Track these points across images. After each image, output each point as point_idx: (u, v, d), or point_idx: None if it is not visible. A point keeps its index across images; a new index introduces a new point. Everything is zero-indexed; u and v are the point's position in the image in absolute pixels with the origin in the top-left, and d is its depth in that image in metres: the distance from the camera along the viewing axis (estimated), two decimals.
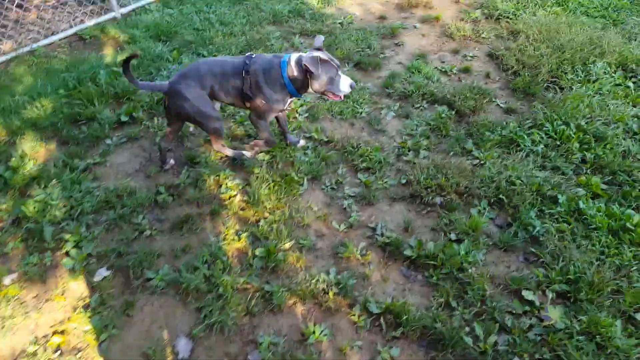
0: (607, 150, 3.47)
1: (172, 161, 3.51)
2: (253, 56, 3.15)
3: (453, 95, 4.09)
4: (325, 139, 3.71)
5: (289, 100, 3.22)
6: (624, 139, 3.59)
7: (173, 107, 3.16)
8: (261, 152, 3.52)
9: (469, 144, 3.63)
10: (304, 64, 2.93)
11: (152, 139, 3.76)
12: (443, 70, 4.59)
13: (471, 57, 4.80)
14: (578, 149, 3.50)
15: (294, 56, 3.07)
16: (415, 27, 5.39)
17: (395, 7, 5.90)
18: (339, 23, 5.42)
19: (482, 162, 3.46)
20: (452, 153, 3.58)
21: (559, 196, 3.10)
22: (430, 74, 4.43)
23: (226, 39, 5.00)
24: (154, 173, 3.45)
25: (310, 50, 3.09)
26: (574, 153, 3.47)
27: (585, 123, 3.67)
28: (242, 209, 3.17)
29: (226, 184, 3.32)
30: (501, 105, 4.10)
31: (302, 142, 3.65)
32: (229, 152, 3.47)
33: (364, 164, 3.47)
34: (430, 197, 3.19)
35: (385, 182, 3.35)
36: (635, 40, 4.86)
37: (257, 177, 3.32)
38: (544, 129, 3.69)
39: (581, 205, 3.02)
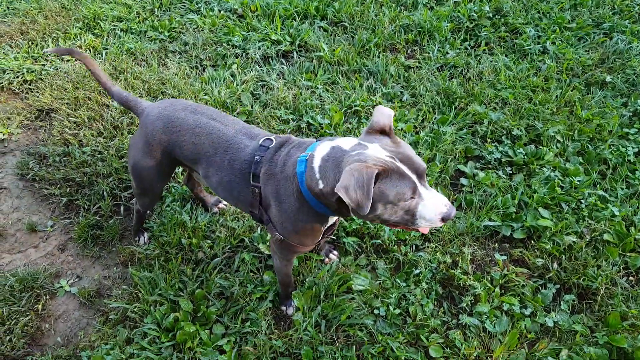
0: None
1: (217, 207, 2.69)
2: (270, 146, 1.74)
3: None
4: None
5: (328, 224, 1.79)
6: None
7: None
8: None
9: None
10: (337, 189, 1.42)
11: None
12: None
13: None
14: None
15: (322, 149, 1.58)
16: None
17: None
18: None
19: None
20: None
21: None
22: None
23: None
24: None
25: (362, 136, 1.58)
26: None
27: None
28: None
29: None
30: None
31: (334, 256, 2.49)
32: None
33: None
34: None
35: None
36: None
37: None
38: None
39: None
